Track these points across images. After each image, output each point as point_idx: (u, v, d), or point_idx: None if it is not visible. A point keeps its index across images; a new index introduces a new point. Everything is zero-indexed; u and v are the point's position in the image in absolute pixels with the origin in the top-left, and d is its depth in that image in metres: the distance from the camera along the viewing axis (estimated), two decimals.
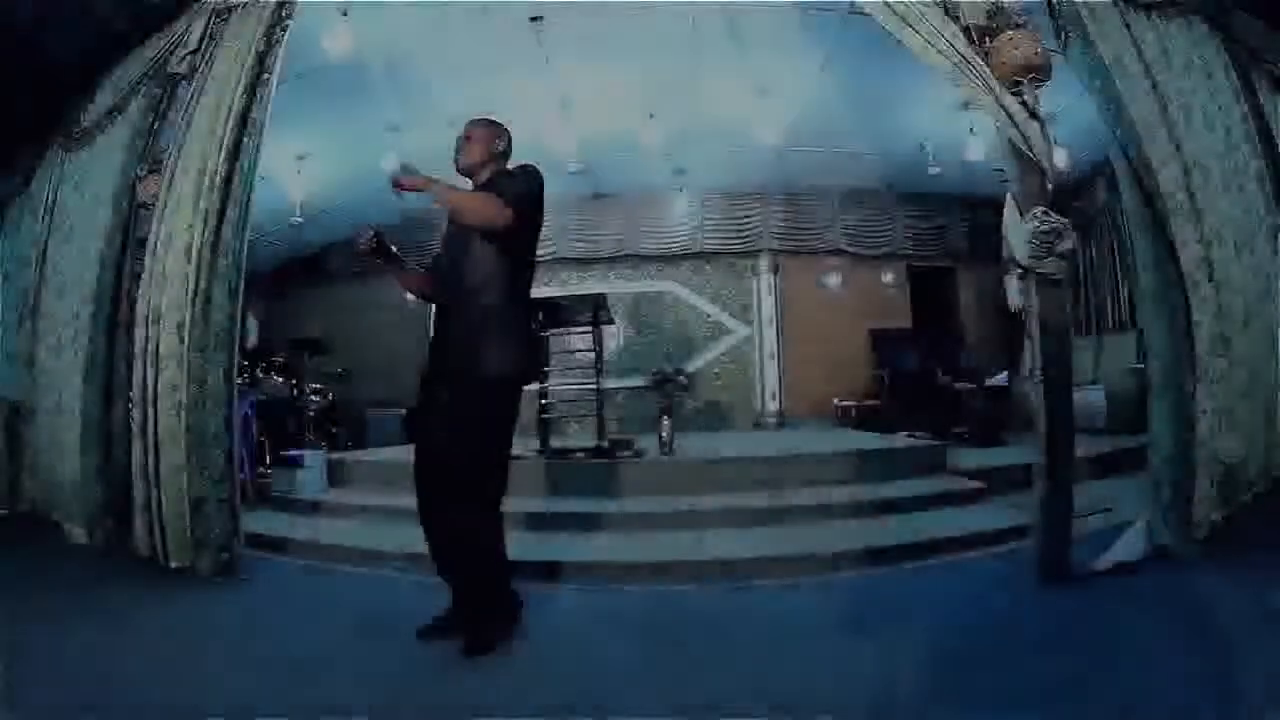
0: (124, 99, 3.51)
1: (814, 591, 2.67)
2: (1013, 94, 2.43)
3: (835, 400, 7.06)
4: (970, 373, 6.09)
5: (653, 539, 3.29)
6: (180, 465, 2.82)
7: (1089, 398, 5.73)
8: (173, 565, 2.86)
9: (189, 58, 3.27)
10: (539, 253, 2.38)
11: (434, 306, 2.35)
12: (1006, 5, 2.49)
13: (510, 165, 2.24)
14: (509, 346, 2.06)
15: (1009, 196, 2.49)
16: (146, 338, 2.93)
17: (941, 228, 7.42)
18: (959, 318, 7.58)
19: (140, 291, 3.01)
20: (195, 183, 2.95)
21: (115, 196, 3.32)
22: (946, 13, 2.51)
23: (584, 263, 7.48)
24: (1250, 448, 2.65)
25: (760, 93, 4.84)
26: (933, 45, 2.50)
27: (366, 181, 6.04)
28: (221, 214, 2.88)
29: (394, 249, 2.22)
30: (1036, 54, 2.36)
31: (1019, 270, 2.50)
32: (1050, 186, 2.41)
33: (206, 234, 2.87)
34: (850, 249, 7.38)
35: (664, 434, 4.34)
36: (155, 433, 2.85)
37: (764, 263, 7.39)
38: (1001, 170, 5.98)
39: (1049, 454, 2.44)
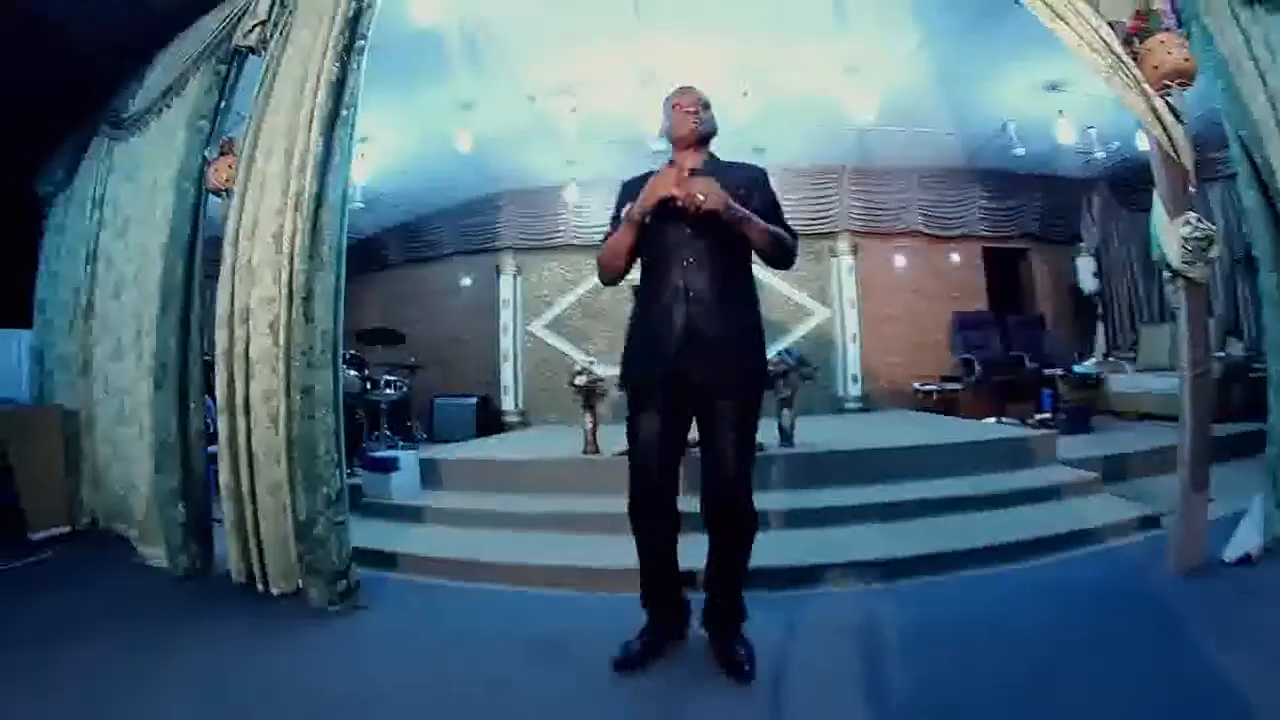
0: (181, 79, 3.17)
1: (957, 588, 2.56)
2: (1162, 97, 2.36)
3: (915, 384, 6.80)
4: (1055, 359, 5.94)
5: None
6: (280, 482, 2.51)
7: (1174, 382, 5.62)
8: (274, 592, 2.56)
9: (258, 29, 2.92)
10: None
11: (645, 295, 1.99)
12: (1157, 8, 2.43)
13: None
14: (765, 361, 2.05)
15: (1156, 198, 2.48)
16: (231, 339, 2.61)
17: (1016, 208, 7.13)
18: (1034, 299, 7.36)
19: (220, 288, 2.68)
20: (282, 162, 2.62)
21: (178, 182, 2.97)
22: (1098, 11, 2.42)
23: None
24: None
25: (850, 71, 4.62)
26: (1086, 42, 2.39)
27: (434, 163, 5.84)
28: (319, 197, 2.54)
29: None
30: (1187, 59, 2.34)
31: (1168, 271, 2.45)
32: (1192, 189, 2.42)
33: (301, 220, 2.53)
34: (927, 229, 7.10)
35: (785, 424, 4.11)
36: (248, 447, 2.54)
37: (843, 244, 7.12)
38: (1088, 153, 5.76)
39: (1192, 450, 2.46)
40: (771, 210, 1.94)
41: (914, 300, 7.17)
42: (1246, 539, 2.44)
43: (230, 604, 2.51)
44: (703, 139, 1.99)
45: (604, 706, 1.73)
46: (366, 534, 3.31)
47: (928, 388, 6.65)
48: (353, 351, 5.42)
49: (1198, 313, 2.47)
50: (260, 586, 2.60)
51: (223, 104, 3.00)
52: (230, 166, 2.79)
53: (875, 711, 1.66)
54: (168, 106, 3.20)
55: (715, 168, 1.96)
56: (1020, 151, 5.74)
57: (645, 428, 1.87)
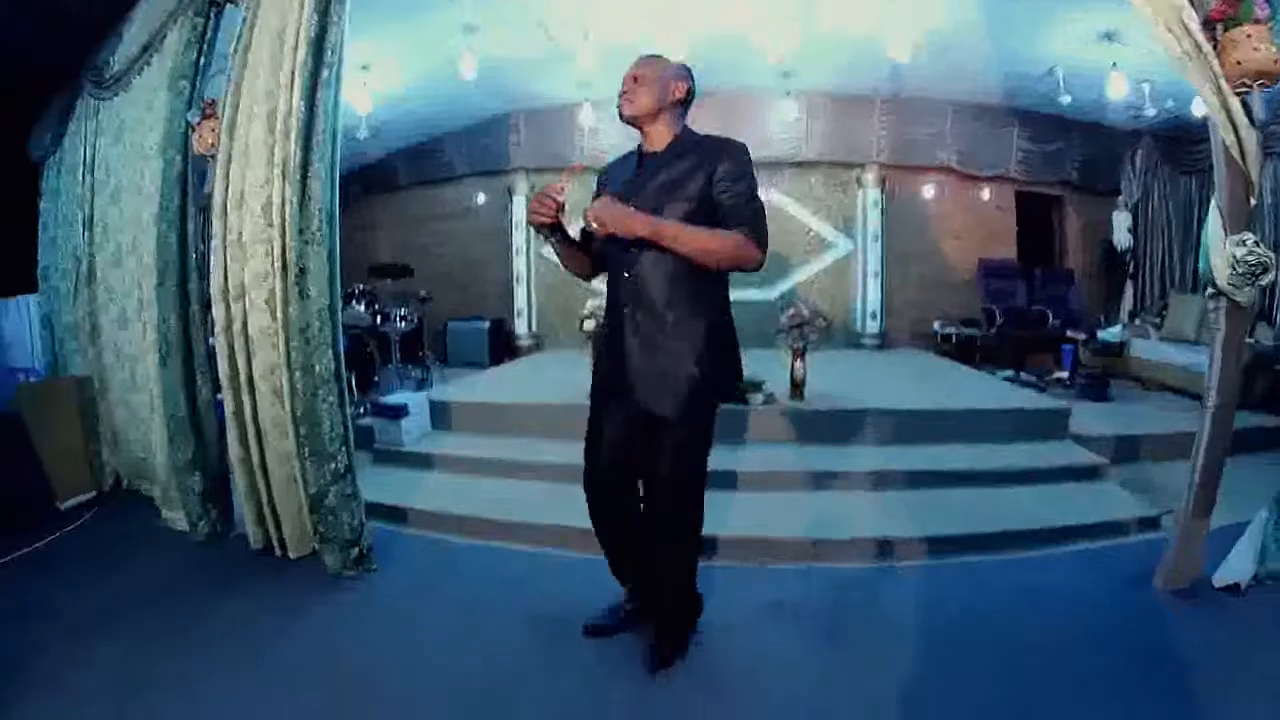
0: (160, 33, 2.96)
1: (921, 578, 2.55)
2: (1238, 95, 2.07)
3: (936, 324, 6.69)
4: (1079, 318, 5.80)
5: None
6: (289, 455, 2.55)
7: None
8: (291, 556, 2.67)
9: None
10: None
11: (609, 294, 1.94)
12: None
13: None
14: (728, 369, 1.89)
15: (1214, 206, 2.23)
16: (229, 316, 2.57)
17: (1055, 153, 6.69)
18: (1065, 249, 7.09)
19: (212, 264, 2.60)
20: (265, 126, 2.48)
21: (163, 149, 2.83)
22: None
23: None
24: None
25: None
26: (1163, 21, 2.06)
27: (441, 85, 5.58)
28: (305, 166, 2.42)
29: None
30: (1276, 61, 2.03)
31: (1212, 288, 2.23)
32: (1254, 202, 2.18)
33: (290, 191, 2.42)
34: (959, 167, 6.74)
35: (797, 376, 4.10)
36: (255, 422, 2.57)
37: (871, 175, 6.81)
38: (1138, 110, 5.28)
39: (1201, 482, 2.33)
40: (735, 201, 1.72)
41: (941, 239, 6.92)
42: (1238, 566, 2.36)
43: (251, 570, 2.62)
44: (642, 116, 1.81)
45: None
46: (379, 483, 3.43)
47: (947, 330, 6.54)
48: (362, 286, 5.40)
49: (1236, 338, 2.28)
50: (278, 551, 2.70)
51: (202, 61, 2.82)
52: (214, 130, 2.64)
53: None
54: (148, 64, 3.02)
55: (680, 150, 1.81)
56: (1066, 99, 5.43)
57: (594, 430, 1.92)
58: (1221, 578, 2.35)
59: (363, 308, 5.26)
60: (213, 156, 2.65)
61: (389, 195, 7.85)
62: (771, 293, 7.13)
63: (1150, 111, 5.43)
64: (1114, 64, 4.74)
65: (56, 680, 1.87)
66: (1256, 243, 2.11)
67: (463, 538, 3.00)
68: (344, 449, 2.55)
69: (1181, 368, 4.74)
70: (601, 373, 1.94)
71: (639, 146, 1.89)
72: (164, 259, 2.77)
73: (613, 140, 6.84)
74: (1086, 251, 6.99)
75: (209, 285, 2.65)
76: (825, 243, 6.99)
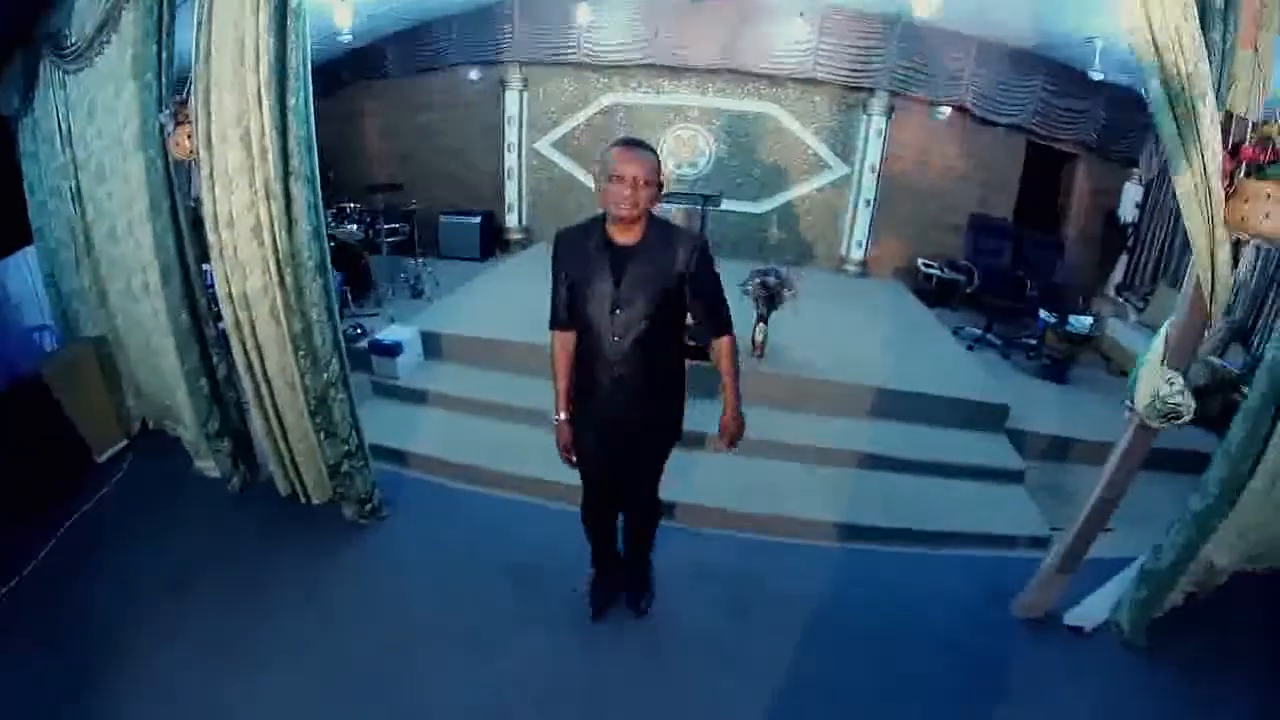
0: (113, 10, 2.86)
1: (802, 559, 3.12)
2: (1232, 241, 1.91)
3: (921, 261, 6.81)
4: (1058, 292, 5.81)
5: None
6: (308, 431, 2.98)
7: None
8: (315, 502, 3.21)
9: None
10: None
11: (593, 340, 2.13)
12: None
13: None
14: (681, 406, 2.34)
15: (1163, 331, 2.21)
16: (237, 321, 2.81)
17: (1078, 111, 6.33)
18: (1067, 210, 6.97)
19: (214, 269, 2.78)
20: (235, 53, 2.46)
21: (144, 146, 2.89)
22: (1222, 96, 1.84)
23: (678, 72, 6.77)
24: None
25: None
26: (1179, 117, 1.83)
27: None
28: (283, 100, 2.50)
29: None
30: None
31: (1128, 404, 2.25)
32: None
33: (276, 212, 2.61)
34: (974, 107, 6.48)
35: (758, 337, 4.43)
36: (276, 411, 2.96)
37: (878, 102, 6.61)
38: None
39: (1071, 546, 2.55)
40: (713, 301, 2.08)
41: (941, 179, 6.84)
42: (1091, 612, 2.53)
43: (282, 517, 3.18)
44: (640, 216, 1.93)
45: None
46: (381, 420, 3.93)
47: (931, 270, 6.68)
48: (354, 204, 5.47)
49: (1136, 452, 2.33)
50: (302, 499, 3.24)
51: (164, 55, 2.79)
52: (189, 137, 2.69)
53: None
54: (107, 43, 2.95)
55: (651, 243, 1.97)
56: (1098, 75, 5.32)
57: (588, 445, 2.27)
58: (1072, 617, 2.57)
59: (354, 226, 5.40)
60: (195, 160, 2.69)
61: (378, 83, 7.47)
62: (762, 207, 7.19)
63: None
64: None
65: (169, 630, 2.46)
66: (1184, 392, 2.10)
67: (459, 483, 3.63)
68: (354, 432, 3.03)
69: None
70: (594, 423, 2.21)
71: (603, 230, 1.99)
72: (166, 262, 2.98)
73: (611, 40, 6.46)
74: (1090, 216, 6.84)
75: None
76: (822, 164, 6.95)
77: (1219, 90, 1.80)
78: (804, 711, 2.27)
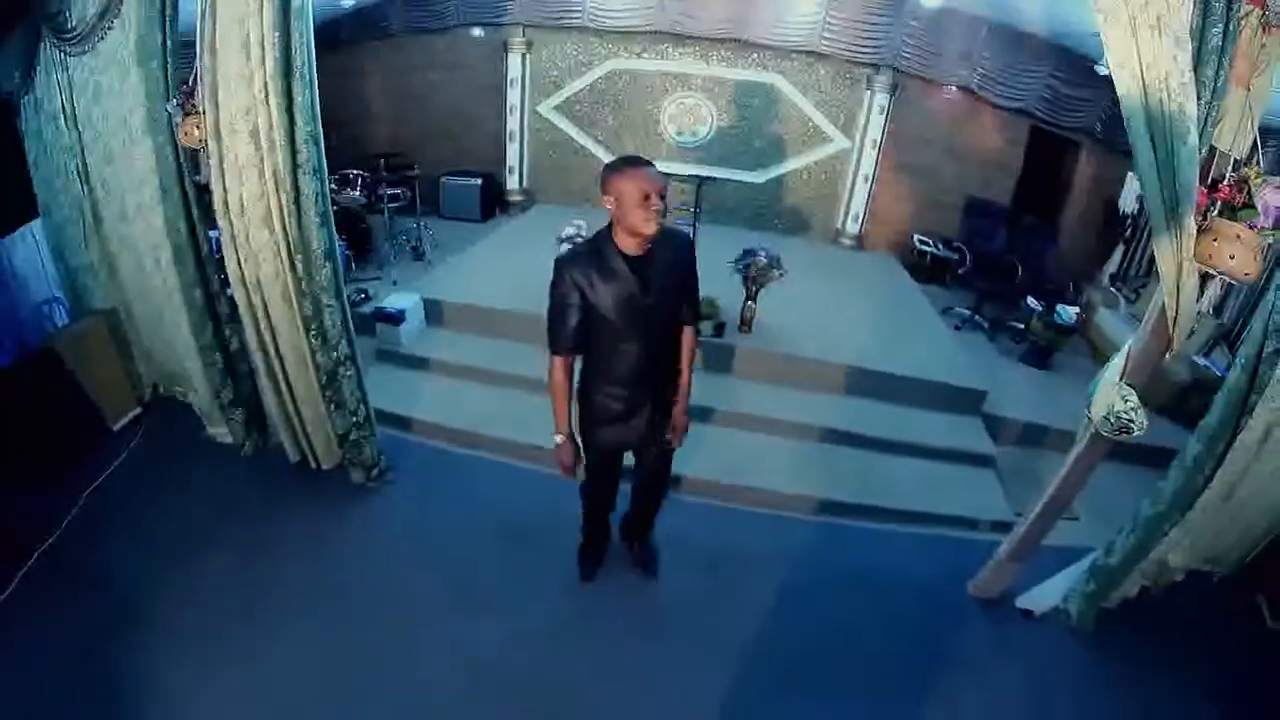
0: None
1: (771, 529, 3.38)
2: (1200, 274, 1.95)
3: (917, 237, 6.92)
4: (1049, 280, 5.90)
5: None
6: (317, 402, 3.19)
7: None
8: (324, 468, 3.45)
9: None
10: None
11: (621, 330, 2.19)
12: (1264, 197, 1.80)
13: None
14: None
15: (1127, 345, 2.28)
16: (249, 298, 2.98)
17: (1087, 100, 6.23)
18: (1067, 198, 6.96)
19: (225, 253, 2.93)
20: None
21: (152, 135, 2.97)
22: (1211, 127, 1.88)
23: (682, 39, 6.76)
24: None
25: None
26: (1154, 137, 1.89)
27: None
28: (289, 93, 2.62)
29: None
30: (1248, 273, 1.81)
31: (1086, 415, 2.33)
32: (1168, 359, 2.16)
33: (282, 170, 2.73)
34: (979, 89, 6.46)
35: (748, 315, 4.59)
36: (288, 383, 3.16)
37: (883, 78, 6.65)
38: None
39: (1021, 540, 2.69)
40: (693, 297, 2.30)
41: (941, 159, 6.89)
42: (1043, 597, 2.65)
43: (293, 481, 3.41)
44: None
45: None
46: (385, 386, 4.16)
47: (925, 248, 6.77)
48: (358, 172, 5.52)
49: (1089, 459, 2.42)
50: (312, 465, 3.48)
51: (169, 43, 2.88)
52: (198, 127, 2.75)
53: None
54: (109, 28, 3.00)
55: (658, 247, 2.08)
56: (1104, 70, 5.16)
57: (602, 461, 2.50)
58: (1025, 601, 2.71)
59: (357, 191, 5.46)
60: (203, 147, 2.78)
61: (380, 42, 7.37)
62: (762, 176, 7.21)
63: None
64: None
65: (192, 589, 2.71)
66: (1135, 408, 2.16)
67: (460, 448, 3.89)
68: (362, 405, 3.28)
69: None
70: (606, 436, 2.37)
71: (613, 245, 2.04)
72: (178, 245, 3.14)
73: (615, 5, 6.37)
74: (1089, 205, 6.83)
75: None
76: (823, 137, 7.00)
77: (1204, 126, 1.83)
78: (758, 660, 2.56)
